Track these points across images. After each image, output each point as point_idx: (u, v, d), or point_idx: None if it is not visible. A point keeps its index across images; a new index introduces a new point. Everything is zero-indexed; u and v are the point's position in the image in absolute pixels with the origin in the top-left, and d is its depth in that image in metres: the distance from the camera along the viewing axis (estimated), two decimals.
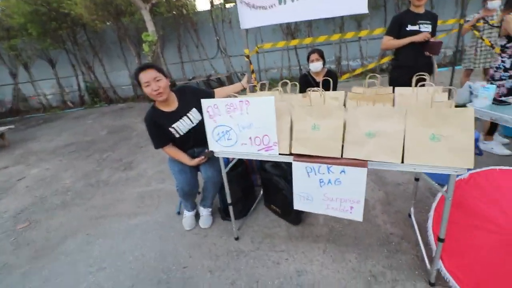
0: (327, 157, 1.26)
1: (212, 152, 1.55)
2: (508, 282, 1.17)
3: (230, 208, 1.74)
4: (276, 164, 1.91)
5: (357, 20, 6.95)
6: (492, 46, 3.42)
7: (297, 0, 1.71)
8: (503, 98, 1.74)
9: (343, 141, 1.23)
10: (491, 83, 2.19)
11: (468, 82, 3.87)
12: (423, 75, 1.75)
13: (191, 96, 1.88)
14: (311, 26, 7.12)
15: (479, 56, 3.73)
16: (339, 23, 7.08)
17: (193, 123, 1.86)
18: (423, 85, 1.44)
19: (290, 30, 7.26)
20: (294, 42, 3.94)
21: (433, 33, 2.46)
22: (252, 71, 2.34)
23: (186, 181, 1.83)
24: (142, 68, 1.66)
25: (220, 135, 1.48)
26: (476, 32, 3.50)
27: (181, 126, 1.82)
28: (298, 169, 1.33)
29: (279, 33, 7.34)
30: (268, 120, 1.32)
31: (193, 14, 7.50)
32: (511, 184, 1.31)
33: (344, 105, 1.52)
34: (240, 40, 7.43)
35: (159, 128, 1.78)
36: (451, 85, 3.47)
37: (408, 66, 2.49)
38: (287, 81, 1.76)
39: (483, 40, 3.46)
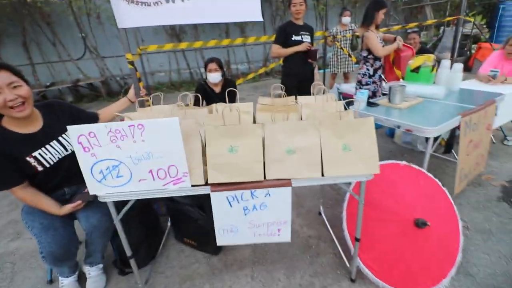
0: (248, 182, 1.10)
1: (93, 195, 1.11)
2: (409, 260, 1.37)
3: (132, 261, 1.34)
4: None
5: (241, 27, 7.25)
6: (349, 55, 4.24)
7: (188, 0, 1.47)
8: (372, 100, 2.10)
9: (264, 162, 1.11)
10: (360, 87, 2.64)
11: (336, 84, 4.68)
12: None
13: (64, 114, 1.37)
14: (197, 28, 6.89)
15: (340, 62, 4.55)
16: (224, 28, 7.19)
17: (66, 150, 1.33)
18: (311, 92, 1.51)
19: (175, 31, 6.80)
20: (183, 45, 3.65)
21: (311, 43, 2.77)
22: (139, 80, 1.91)
23: (56, 241, 1.25)
24: None
25: (104, 173, 1.07)
26: (337, 43, 4.23)
27: (48, 154, 1.28)
28: (218, 200, 1.12)
29: (162, 33, 6.74)
30: (173, 147, 1.03)
31: (44, 3, 5.83)
32: (398, 177, 1.55)
33: (254, 118, 1.42)
34: (114, 38, 6.38)
35: (6, 160, 1.18)
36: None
37: (296, 73, 2.73)
38: (188, 93, 1.50)
39: (343, 49, 4.23)
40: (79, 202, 1.31)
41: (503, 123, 2.50)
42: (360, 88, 2.66)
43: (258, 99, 1.56)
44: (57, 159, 1.31)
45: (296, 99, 1.56)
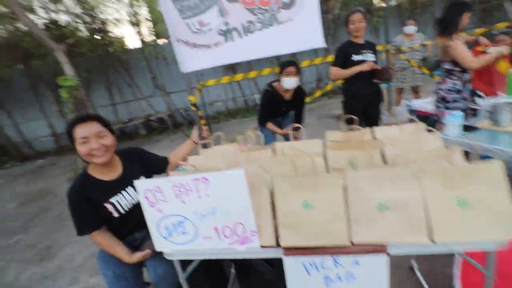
0: (327, 247, 0.89)
1: None
2: None
3: None
4: None
5: (292, 56, 7.28)
6: (419, 67, 3.75)
7: (246, 36, 1.42)
8: (469, 124, 1.69)
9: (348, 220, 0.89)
10: (446, 106, 2.21)
11: (404, 100, 4.17)
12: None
13: (140, 160, 1.42)
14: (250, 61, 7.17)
15: (406, 76, 4.07)
16: (275, 56, 7.31)
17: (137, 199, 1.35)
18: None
19: (231, 64, 7.19)
20: (239, 77, 3.73)
21: (375, 61, 2.49)
22: (201, 118, 1.92)
23: None
24: (81, 119, 1.19)
25: (170, 229, 1.00)
26: (402, 56, 3.80)
27: (124, 201, 1.31)
28: (293, 266, 0.93)
29: (219, 67, 7.20)
30: (239, 202, 0.91)
31: (122, 52, 6.87)
32: None
33: (325, 158, 1.22)
34: (178, 75, 7.06)
35: (89, 205, 1.24)
36: (389, 102, 3.65)
37: (362, 95, 2.46)
38: (250, 133, 1.40)
39: (410, 62, 3.77)
40: (148, 251, 1.29)
41: None
42: (447, 107, 2.22)
43: (326, 134, 1.37)
44: (132, 205, 1.33)
45: (370, 128, 1.32)
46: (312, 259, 0.91)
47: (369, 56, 2.41)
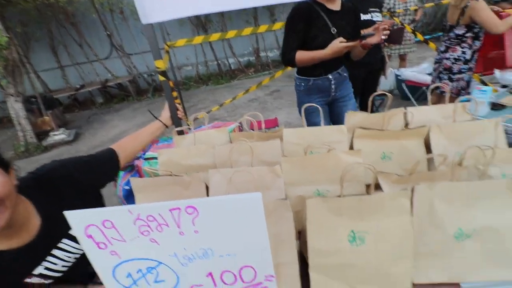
0: None
1: None
2: None
3: None
4: None
5: (270, 10, 6.57)
6: (413, 32, 3.46)
7: None
8: (497, 101, 1.46)
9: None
10: (450, 77, 1.97)
11: (391, 69, 3.94)
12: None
13: (71, 186, 0.85)
14: (223, 16, 6.35)
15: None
16: (252, 12, 6.55)
17: (80, 249, 0.88)
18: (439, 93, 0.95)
19: (201, 21, 6.31)
20: (215, 37, 3.15)
21: (381, 20, 2.13)
22: (176, 97, 1.43)
23: None
24: None
25: (134, 277, 0.64)
26: (396, 19, 3.47)
27: (59, 263, 0.82)
28: None
29: (187, 24, 6.30)
30: (251, 238, 0.57)
31: (66, 3, 5.63)
32: None
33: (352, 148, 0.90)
34: (139, 34, 6.06)
35: None
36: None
37: (366, 63, 2.12)
38: (248, 117, 1.00)
39: (405, 26, 3.46)
40: None
41: None
42: (451, 78, 1.99)
43: (347, 115, 1.04)
44: (74, 260, 0.86)
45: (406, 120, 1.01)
46: None
47: (377, 16, 2.03)
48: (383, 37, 1.43)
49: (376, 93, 1.02)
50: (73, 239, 0.86)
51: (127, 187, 1.57)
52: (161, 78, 1.16)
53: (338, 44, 1.39)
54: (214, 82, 6.69)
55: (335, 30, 1.50)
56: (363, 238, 0.58)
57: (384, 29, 1.44)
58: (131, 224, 0.56)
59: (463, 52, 1.88)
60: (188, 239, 0.57)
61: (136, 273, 0.62)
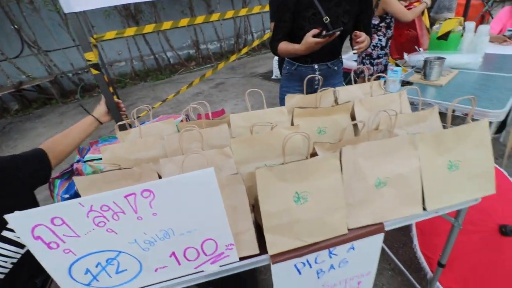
0: (326, 240, 0.73)
1: None
2: (495, 275, 1.13)
3: None
4: None
5: (206, 0, 6.42)
6: None
7: None
8: (404, 79, 1.76)
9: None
10: (370, 62, 2.28)
11: None
12: None
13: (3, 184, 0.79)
14: (155, 6, 5.97)
15: None
16: (187, 3, 6.31)
17: (22, 248, 0.83)
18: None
19: (130, 11, 5.83)
20: (149, 29, 2.98)
21: None
22: (109, 85, 1.34)
23: None
24: None
25: (93, 272, 0.62)
26: None
27: None
28: (283, 271, 0.74)
29: (115, 16, 5.75)
30: (208, 213, 0.61)
31: None
32: None
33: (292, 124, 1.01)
34: (57, 27, 5.32)
35: None
36: None
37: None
38: (195, 105, 1.02)
39: None
40: None
41: None
42: (371, 63, 2.31)
43: (286, 97, 1.14)
44: (11, 266, 0.80)
45: (336, 99, 1.16)
46: (305, 258, 0.73)
47: None
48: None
49: (311, 76, 1.15)
50: (7, 241, 0.78)
51: (66, 196, 1.44)
52: (94, 71, 1.08)
53: (308, 39, 1.22)
54: (153, 78, 6.32)
55: (328, 19, 1.32)
56: (305, 197, 0.68)
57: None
58: (84, 217, 0.55)
59: (379, 40, 2.20)
60: (147, 223, 0.59)
61: (95, 267, 0.61)
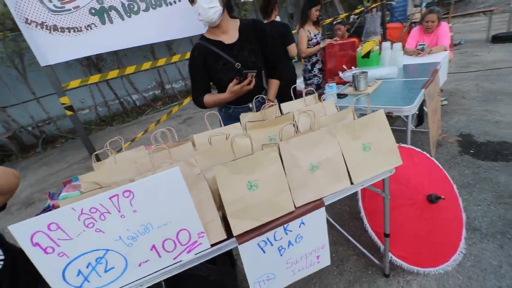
0: (277, 218, 0.91)
1: None
2: (432, 237, 1.36)
3: None
4: None
5: (167, 44, 6.83)
6: None
7: (130, 18, 1.18)
8: (338, 92, 2.10)
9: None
10: (305, 83, 2.73)
11: None
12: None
13: None
14: (117, 54, 6.21)
15: None
16: (149, 49, 6.65)
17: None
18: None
19: (92, 61, 5.99)
20: (113, 74, 3.15)
21: None
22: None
23: None
24: None
25: (84, 272, 0.73)
26: None
27: None
28: (249, 251, 0.89)
29: (76, 66, 5.87)
30: (179, 206, 0.77)
31: None
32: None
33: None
34: (13, 81, 5.26)
35: None
36: None
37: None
38: (164, 129, 1.20)
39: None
40: None
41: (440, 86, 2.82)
42: (307, 83, 2.76)
43: (240, 116, 1.36)
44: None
45: (279, 107, 1.41)
46: (265, 237, 0.89)
47: None
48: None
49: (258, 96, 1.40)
50: None
51: None
52: (69, 112, 1.22)
53: (233, 88, 1.34)
54: (120, 121, 6.35)
55: (239, 64, 1.43)
56: (256, 184, 0.86)
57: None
58: (75, 220, 0.68)
59: (306, 65, 2.69)
60: (129, 220, 0.73)
61: (86, 268, 0.73)
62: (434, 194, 1.38)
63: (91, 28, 1.11)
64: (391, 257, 1.34)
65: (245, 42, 1.46)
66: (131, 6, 1.19)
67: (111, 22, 1.15)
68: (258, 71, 1.54)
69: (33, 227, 0.65)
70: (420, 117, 2.27)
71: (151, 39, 1.27)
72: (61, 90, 1.16)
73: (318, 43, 2.74)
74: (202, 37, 1.49)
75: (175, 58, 3.52)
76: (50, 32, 1.04)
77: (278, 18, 2.63)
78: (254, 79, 1.36)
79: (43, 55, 1.06)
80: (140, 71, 5.96)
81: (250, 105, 1.60)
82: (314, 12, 2.65)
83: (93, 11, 1.11)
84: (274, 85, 1.62)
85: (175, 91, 7.35)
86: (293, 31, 4.59)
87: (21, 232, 0.65)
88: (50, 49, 1.06)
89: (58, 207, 1.34)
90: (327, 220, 1.86)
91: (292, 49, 2.58)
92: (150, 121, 5.92)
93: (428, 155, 1.61)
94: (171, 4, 1.35)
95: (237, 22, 1.48)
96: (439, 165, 1.61)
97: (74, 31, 1.08)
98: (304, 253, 1.01)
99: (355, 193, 1.47)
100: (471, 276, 1.31)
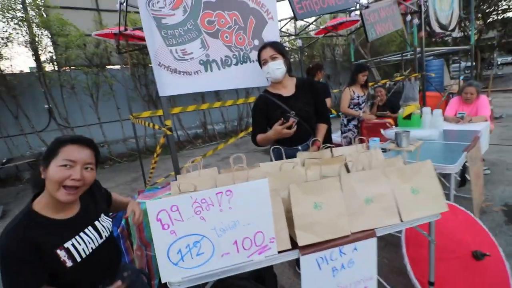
0: (335, 239, 1.05)
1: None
2: None
3: None
4: None
5: (215, 91, 7.70)
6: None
7: (224, 68, 1.56)
8: (385, 147, 2.28)
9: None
10: (342, 136, 3.02)
11: None
12: None
13: (101, 194, 1.21)
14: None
15: None
16: (199, 93, 7.53)
17: (101, 238, 1.12)
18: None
19: (151, 98, 6.92)
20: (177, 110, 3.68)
21: None
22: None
23: None
24: (78, 140, 1.03)
25: (183, 252, 0.93)
26: None
27: (82, 245, 1.03)
28: (308, 264, 1.02)
29: (138, 101, 6.80)
30: (261, 211, 0.97)
31: (11, 76, 5.57)
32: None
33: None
34: (87, 108, 6.21)
35: (33, 253, 0.92)
36: None
37: None
38: (240, 154, 1.46)
39: None
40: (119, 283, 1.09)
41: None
42: (342, 136, 3.07)
43: (298, 154, 1.59)
44: (91, 250, 1.07)
45: (332, 152, 1.62)
46: (323, 254, 1.03)
47: None
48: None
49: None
50: (95, 229, 1.11)
51: None
52: (169, 132, 1.56)
53: (276, 127, 1.57)
54: (164, 153, 6.91)
55: (294, 112, 1.65)
56: (321, 205, 1.04)
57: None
58: (190, 206, 0.91)
59: (343, 120, 3.09)
60: (224, 214, 0.94)
61: (185, 248, 0.93)
62: (479, 251, 1.41)
63: (197, 74, 1.50)
64: None
65: (301, 96, 1.75)
66: (226, 61, 1.59)
67: (212, 70, 1.54)
68: (309, 119, 1.82)
69: (161, 205, 0.89)
70: (462, 180, 2.32)
71: (235, 86, 1.64)
72: (168, 114, 1.51)
73: (359, 103, 3.08)
74: (265, 90, 1.81)
75: (217, 104, 3.97)
76: (172, 73, 1.43)
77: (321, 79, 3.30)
78: (296, 126, 1.59)
79: (163, 88, 1.44)
80: (190, 112, 6.67)
81: (300, 147, 1.89)
82: (361, 77, 3.01)
83: (201, 61, 1.51)
84: (322, 128, 1.87)
85: (215, 132, 7.97)
86: (335, 90, 5.04)
87: (152, 208, 0.88)
88: (169, 85, 1.44)
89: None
90: None
91: (328, 102, 3.22)
92: (190, 155, 6.40)
93: (471, 214, 1.66)
94: (252, 62, 1.74)
95: (294, 80, 1.80)
96: (483, 226, 1.64)
97: (187, 74, 1.47)
98: (354, 280, 1.11)
99: (395, 246, 1.53)
100: None
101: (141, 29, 3.18)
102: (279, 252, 1.01)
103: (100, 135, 6.44)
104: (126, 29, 3.07)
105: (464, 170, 2.06)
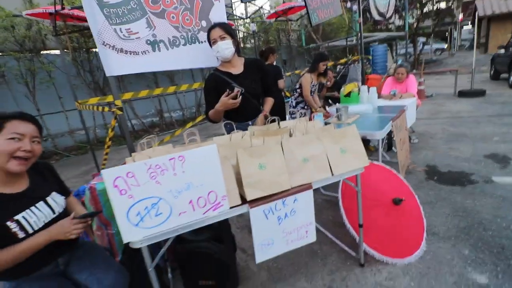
0: (278, 193, 1.23)
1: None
2: (398, 232, 1.68)
3: None
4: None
5: (170, 76, 7.43)
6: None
7: (172, 49, 1.61)
8: (326, 120, 2.55)
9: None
10: (291, 115, 3.26)
11: None
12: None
13: (50, 174, 1.21)
14: (123, 80, 6.70)
15: None
16: (153, 79, 7.21)
17: (54, 213, 1.16)
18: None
19: (98, 85, 6.43)
20: (128, 95, 3.55)
21: None
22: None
23: None
24: (22, 115, 1.07)
25: (142, 214, 1.02)
26: None
27: (33, 217, 1.08)
28: (257, 215, 1.19)
29: (82, 89, 6.27)
30: (212, 172, 1.09)
31: None
32: (368, 171, 1.92)
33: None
34: (21, 96, 5.55)
35: None
36: None
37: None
38: (192, 129, 1.55)
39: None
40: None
41: (408, 126, 3.36)
42: (291, 117, 3.31)
43: (249, 127, 1.74)
44: (43, 223, 1.11)
45: (279, 124, 1.80)
46: (269, 206, 1.20)
47: None
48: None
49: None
50: (48, 205, 1.15)
51: None
52: (118, 112, 1.57)
53: (222, 98, 1.64)
54: (117, 143, 6.57)
55: (243, 89, 1.70)
56: (265, 165, 1.21)
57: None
58: (145, 172, 1.00)
59: (291, 102, 3.32)
60: (178, 177, 1.05)
61: (144, 210, 1.02)
62: (397, 197, 1.74)
63: (145, 53, 1.52)
64: (365, 247, 1.63)
65: (248, 74, 1.87)
66: (174, 41, 1.62)
67: (160, 50, 1.57)
68: (257, 96, 1.96)
69: (117, 173, 0.96)
70: (389, 145, 2.72)
71: (184, 66, 1.69)
72: (117, 94, 1.52)
73: (311, 90, 3.33)
74: (215, 69, 1.88)
75: (171, 89, 3.96)
76: (117, 53, 1.44)
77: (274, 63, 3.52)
78: (241, 96, 1.67)
79: (109, 68, 1.44)
80: (140, 99, 6.37)
81: (250, 122, 2.06)
82: (322, 66, 3.17)
83: (148, 41, 1.53)
84: (268, 101, 2.00)
85: (173, 120, 7.77)
86: (288, 74, 5.29)
87: (108, 176, 0.95)
88: (116, 65, 1.45)
89: (93, 190, 1.60)
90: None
91: (281, 83, 3.43)
92: (147, 144, 6.18)
93: (395, 172, 2.00)
94: (201, 42, 1.80)
95: (242, 59, 1.91)
96: (404, 180, 1.99)
97: (134, 54, 1.48)
98: (296, 226, 1.31)
99: (338, 203, 1.80)
100: (429, 266, 1.61)
101: (80, 8, 2.96)
102: (231, 208, 1.16)
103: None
104: (63, 8, 2.82)
105: (391, 137, 2.44)
